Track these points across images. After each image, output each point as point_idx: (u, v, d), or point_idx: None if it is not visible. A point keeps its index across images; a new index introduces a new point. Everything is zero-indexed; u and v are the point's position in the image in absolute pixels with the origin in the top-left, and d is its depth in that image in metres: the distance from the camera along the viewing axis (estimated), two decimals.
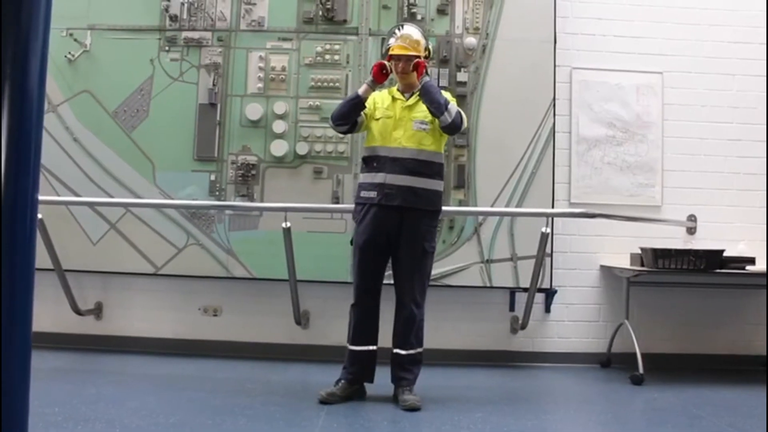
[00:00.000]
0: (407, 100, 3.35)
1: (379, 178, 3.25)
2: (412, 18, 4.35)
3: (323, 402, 3.19)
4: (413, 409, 3.12)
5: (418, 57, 3.30)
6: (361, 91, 3.28)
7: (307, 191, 4.26)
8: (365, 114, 3.35)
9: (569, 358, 4.41)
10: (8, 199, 0.98)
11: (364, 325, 3.32)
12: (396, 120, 3.30)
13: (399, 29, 3.39)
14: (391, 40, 3.36)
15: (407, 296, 3.27)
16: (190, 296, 4.43)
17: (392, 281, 3.35)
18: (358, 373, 3.32)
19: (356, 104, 3.28)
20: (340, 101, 3.45)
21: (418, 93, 3.33)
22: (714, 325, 4.48)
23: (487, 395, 3.54)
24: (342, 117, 3.32)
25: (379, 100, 3.40)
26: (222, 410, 3.04)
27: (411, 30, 3.37)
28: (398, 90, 3.40)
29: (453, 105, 3.28)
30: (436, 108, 3.22)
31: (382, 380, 3.33)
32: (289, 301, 4.07)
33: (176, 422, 2.84)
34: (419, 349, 3.31)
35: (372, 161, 3.30)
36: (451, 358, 4.32)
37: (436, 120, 3.26)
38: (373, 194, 3.25)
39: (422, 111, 3.31)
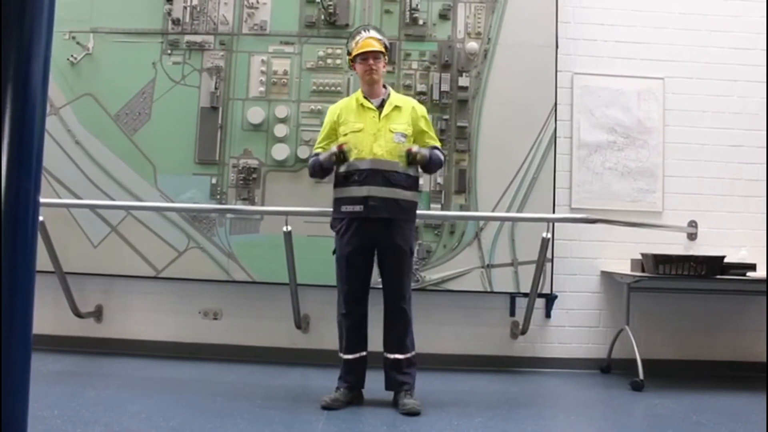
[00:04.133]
0: (378, 108, 3.34)
1: (363, 191, 3.24)
2: (414, 23, 4.37)
3: (327, 408, 3.19)
4: (413, 413, 3.11)
5: (383, 53, 3.35)
6: (326, 164, 3.33)
7: (308, 195, 4.26)
8: (332, 142, 3.39)
9: (569, 363, 4.40)
10: (10, 201, 0.98)
11: (356, 332, 3.34)
12: (373, 132, 3.28)
13: (363, 31, 3.40)
14: (358, 37, 3.37)
15: (399, 299, 3.28)
16: (190, 299, 4.43)
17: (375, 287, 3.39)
18: (354, 381, 3.33)
19: (326, 170, 3.40)
20: (313, 159, 3.44)
21: (390, 104, 3.35)
22: (715, 331, 4.47)
23: (487, 400, 3.54)
24: (317, 176, 3.51)
25: (344, 113, 3.38)
26: (222, 414, 3.04)
27: (374, 32, 3.39)
28: (364, 96, 3.38)
29: (439, 153, 3.42)
30: (437, 169, 3.51)
31: (381, 384, 3.33)
32: (290, 305, 4.07)
33: (176, 426, 2.84)
34: (414, 352, 3.33)
35: (353, 175, 3.27)
36: (451, 363, 4.32)
37: (413, 134, 3.34)
38: (358, 208, 3.24)
39: (400, 122, 3.32)
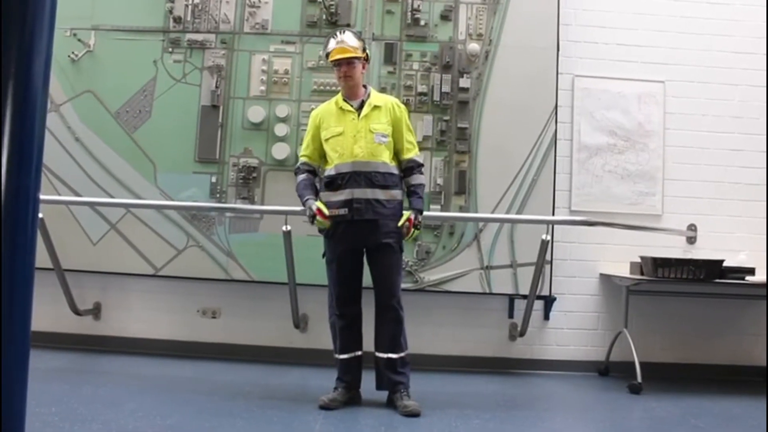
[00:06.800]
0: (357, 110, 3.33)
1: (346, 194, 3.25)
2: (415, 24, 4.37)
3: (324, 407, 3.19)
4: (414, 414, 3.11)
5: (357, 58, 3.32)
6: (306, 205, 3.33)
7: None
8: (317, 147, 3.40)
9: (567, 365, 4.40)
10: (10, 198, 0.98)
11: (350, 332, 3.35)
12: (353, 134, 3.28)
13: (337, 35, 3.36)
14: (331, 43, 3.34)
15: (391, 297, 3.28)
16: (189, 298, 4.43)
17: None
18: (351, 380, 3.34)
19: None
20: (301, 179, 3.42)
21: (369, 105, 3.33)
22: (713, 335, 4.47)
23: (485, 402, 3.54)
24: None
25: (325, 118, 3.37)
26: (219, 413, 3.04)
27: (348, 36, 3.34)
28: (344, 99, 3.38)
29: (421, 178, 3.41)
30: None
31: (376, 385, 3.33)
32: (288, 305, 4.07)
33: (173, 424, 2.84)
34: (408, 351, 3.32)
35: (336, 180, 3.28)
36: (449, 365, 4.32)
37: (393, 134, 3.34)
38: (343, 211, 3.25)
39: (380, 122, 3.31)
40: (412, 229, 3.30)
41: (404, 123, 3.40)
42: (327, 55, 3.40)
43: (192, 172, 4.35)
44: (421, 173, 3.41)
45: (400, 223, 3.27)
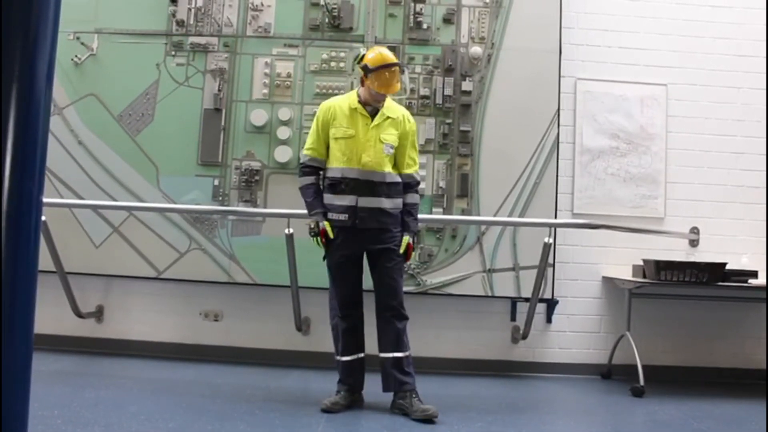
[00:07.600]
0: (372, 117, 3.28)
1: (349, 200, 3.23)
2: (418, 27, 4.38)
3: (327, 411, 3.17)
4: (434, 416, 3.07)
5: (399, 64, 3.32)
6: (313, 218, 3.28)
7: None
8: (326, 140, 3.33)
9: (570, 368, 4.40)
10: (13, 201, 0.98)
11: (353, 335, 3.34)
12: (363, 141, 3.25)
13: (398, 66, 3.31)
14: (371, 55, 3.26)
15: (394, 299, 3.27)
16: (191, 301, 4.43)
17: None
18: (354, 383, 3.33)
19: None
20: (308, 183, 3.34)
21: (383, 114, 3.30)
22: (715, 338, 4.47)
23: (488, 405, 3.53)
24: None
25: (338, 115, 3.29)
26: (221, 416, 3.03)
27: (403, 76, 3.39)
28: (360, 102, 3.30)
29: (417, 197, 3.41)
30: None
31: (380, 387, 3.32)
32: (290, 308, 4.07)
33: (175, 427, 2.84)
34: (409, 351, 3.30)
35: (340, 183, 3.25)
36: (451, 367, 4.32)
37: (398, 147, 3.32)
38: (344, 217, 3.23)
39: (390, 133, 3.28)
40: (413, 253, 3.35)
41: (410, 138, 3.36)
42: (366, 66, 3.25)
43: (194, 175, 4.35)
44: (417, 192, 3.40)
45: (401, 251, 3.26)
